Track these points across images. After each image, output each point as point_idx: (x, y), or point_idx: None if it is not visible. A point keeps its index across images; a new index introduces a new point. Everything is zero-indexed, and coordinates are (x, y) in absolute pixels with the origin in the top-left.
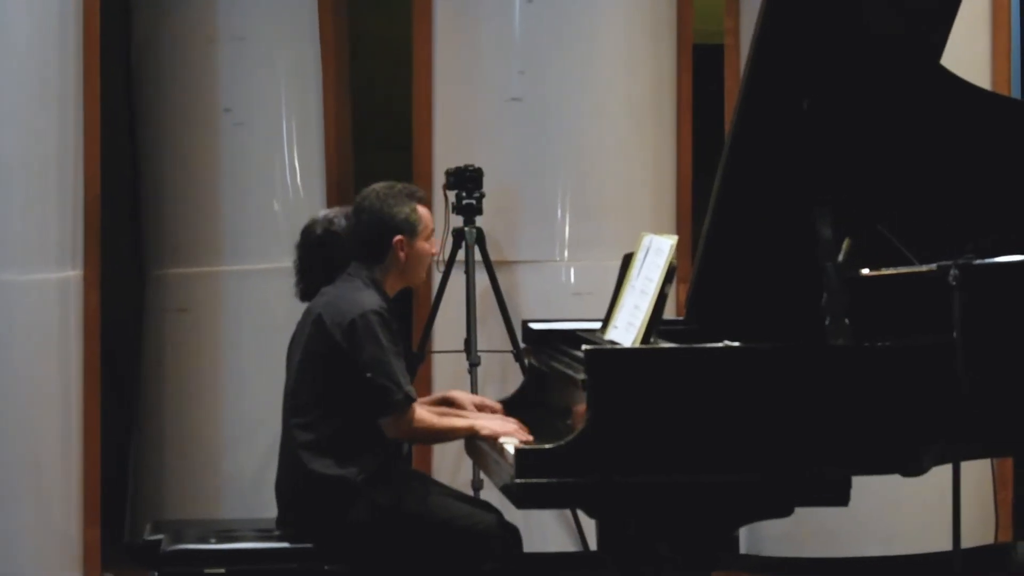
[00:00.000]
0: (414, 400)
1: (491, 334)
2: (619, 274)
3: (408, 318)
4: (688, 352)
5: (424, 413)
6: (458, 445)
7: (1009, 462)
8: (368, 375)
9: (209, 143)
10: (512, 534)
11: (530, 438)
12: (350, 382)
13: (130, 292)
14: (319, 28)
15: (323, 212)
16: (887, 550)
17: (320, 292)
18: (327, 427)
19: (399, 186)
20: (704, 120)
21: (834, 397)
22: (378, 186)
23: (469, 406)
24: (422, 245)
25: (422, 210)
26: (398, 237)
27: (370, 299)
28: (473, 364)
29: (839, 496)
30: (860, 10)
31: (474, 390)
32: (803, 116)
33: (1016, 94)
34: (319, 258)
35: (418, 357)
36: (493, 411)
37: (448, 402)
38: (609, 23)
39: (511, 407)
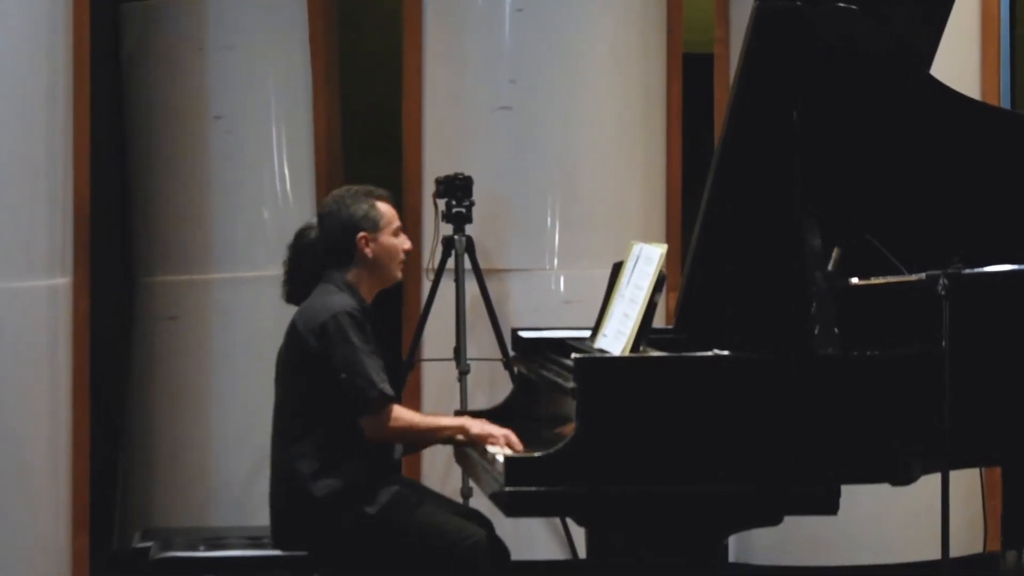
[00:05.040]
0: (391, 398)
1: (480, 342)
2: (608, 283)
3: (397, 326)
4: (677, 361)
5: (404, 412)
6: (448, 454)
7: (998, 471)
8: (342, 376)
9: (199, 151)
10: (500, 549)
11: (520, 448)
12: (327, 387)
13: (119, 300)
14: (309, 36)
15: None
16: (876, 559)
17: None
18: (312, 436)
19: (356, 187)
20: (694, 129)
21: (823, 406)
22: (337, 191)
23: None
24: (388, 240)
25: (382, 206)
26: (361, 234)
27: (341, 301)
28: (463, 372)
29: (828, 505)
30: (849, 21)
31: (463, 398)
32: (792, 126)
33: (1005, 104)
34: (310, 262)
35: (407, 365)
36: None
37: None
38: (599, 32)
39: (500, 415)
